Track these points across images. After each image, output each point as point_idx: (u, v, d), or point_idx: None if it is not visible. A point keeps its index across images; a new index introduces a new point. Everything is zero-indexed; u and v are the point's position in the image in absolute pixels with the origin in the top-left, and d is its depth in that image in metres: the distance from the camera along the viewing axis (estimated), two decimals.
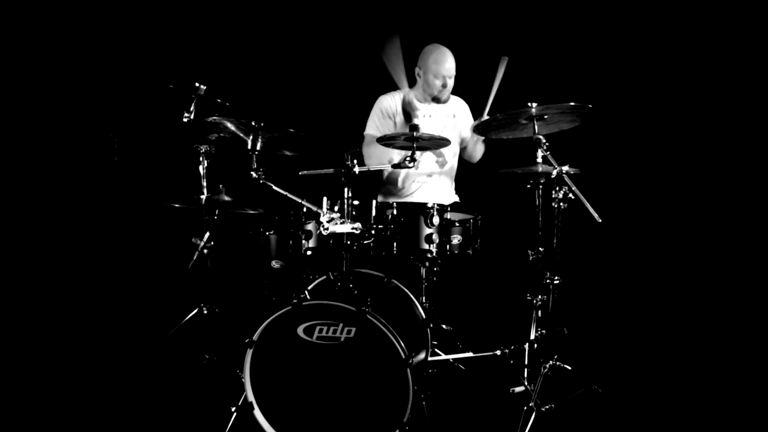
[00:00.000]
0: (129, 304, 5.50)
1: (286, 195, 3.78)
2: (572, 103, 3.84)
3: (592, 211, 3.64)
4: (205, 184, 4.29)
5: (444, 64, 4.72)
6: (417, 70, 4.85)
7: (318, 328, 3.46)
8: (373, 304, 3.53)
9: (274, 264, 4.02)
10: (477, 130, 4.36)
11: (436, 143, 4.09)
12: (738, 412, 4.01)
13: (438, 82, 4.76)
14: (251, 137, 3.80)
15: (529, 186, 4.06)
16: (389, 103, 4.88)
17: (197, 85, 4.16)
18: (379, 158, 4.59)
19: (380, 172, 4.97)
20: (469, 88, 4.96)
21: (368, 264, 4.22)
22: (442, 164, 4.92)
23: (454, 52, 4.75)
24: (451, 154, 4.99)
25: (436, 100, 4.86)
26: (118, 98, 5.64)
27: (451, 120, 4.97)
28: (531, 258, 4.02)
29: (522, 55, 5.92)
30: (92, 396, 4.19)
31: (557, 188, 3.91)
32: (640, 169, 5.84)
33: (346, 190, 3.74)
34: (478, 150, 5.06)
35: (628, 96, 5.82)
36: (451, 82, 4.78)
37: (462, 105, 5.08)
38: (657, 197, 5.82)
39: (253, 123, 3.72)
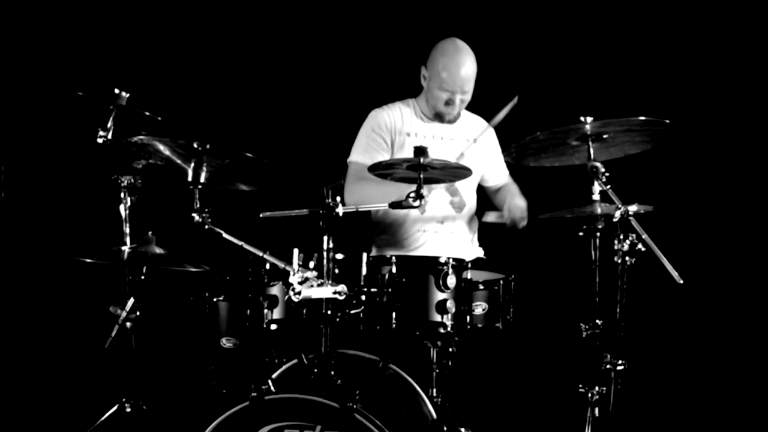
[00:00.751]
0: (22, 399, 5.40)
1: (241, 246, 3.77)
2: (642, 118, 3.88)
3: (669, 268, 3.63)
4: (127, 230, 4.26)
5: (456, 74, 4.79)
6: (423, 71, 4.96)
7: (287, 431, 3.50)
8: (364, 399, 3.51)
9: (225, 343, 3.97)
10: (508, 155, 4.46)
11: (452, 174, 4.11)
12: None
13: (443, 96, 4.87)
14: (192, 165, 3.79)
15: (582, 234, 4.05)
16: (385, 119, 4.96)
17: (117, 92, 4.17)
18: (371, 196, 4.47)
19: (373, 215, 5.06)
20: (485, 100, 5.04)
21: (357, 342, 4.23)
22: (458, 206, 5.01)
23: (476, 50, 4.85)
24: (470, 193, 5.07)
25: (439, 117, 4.98)
26: (4, 110, 5.59)
27: (473, 146, 5.00)
28: (585, 334, 4.00)
29: (572, 54, 5.99)
30: None
31: (621, 237, 3.90)
32: (736, 210, 5.80)
33: (326, 238, 3.73)
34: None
35: (718, 108, 5.84)
36: (461, 99, 4.88)
37: (487, 131, 5.14)
38: (762, 249, 5.76)
39: (195, 145, 3.68)
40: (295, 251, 3.73)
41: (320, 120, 5.81)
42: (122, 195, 4.21)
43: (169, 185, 3.95)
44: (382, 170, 3.92)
